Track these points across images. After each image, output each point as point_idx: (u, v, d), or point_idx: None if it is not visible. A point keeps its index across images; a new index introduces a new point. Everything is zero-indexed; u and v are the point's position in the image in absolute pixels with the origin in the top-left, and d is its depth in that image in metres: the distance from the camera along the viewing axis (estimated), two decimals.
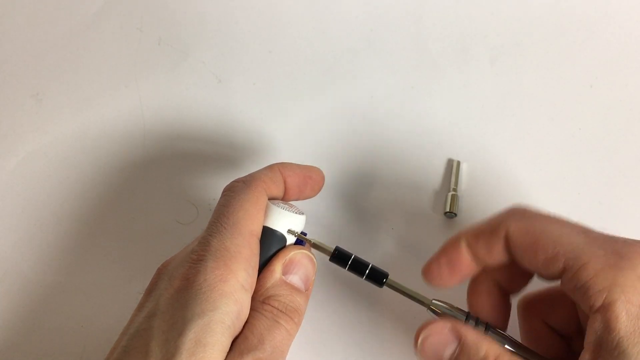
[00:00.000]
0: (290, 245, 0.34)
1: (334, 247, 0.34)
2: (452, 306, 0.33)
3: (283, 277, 0.32)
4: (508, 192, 0.43)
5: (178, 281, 0.30)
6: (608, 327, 0.26)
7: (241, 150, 0.46)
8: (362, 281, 0.34)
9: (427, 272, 0.33)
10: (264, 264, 0.33)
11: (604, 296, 0.27)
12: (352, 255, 0.34)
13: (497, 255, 0.31)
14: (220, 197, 0.33)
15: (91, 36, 0.52)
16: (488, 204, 0.42)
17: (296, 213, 0.34)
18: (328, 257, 0.34)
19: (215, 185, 0.45)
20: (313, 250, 0.35)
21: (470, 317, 0.32)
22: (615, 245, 0.28)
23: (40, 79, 0.50)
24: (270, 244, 0.33)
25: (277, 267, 0.32)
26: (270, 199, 0.35)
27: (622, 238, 0.29)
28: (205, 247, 0.30)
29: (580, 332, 0.33)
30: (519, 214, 0.31)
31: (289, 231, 0.34)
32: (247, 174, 0.35)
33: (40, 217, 0.45)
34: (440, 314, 0.33)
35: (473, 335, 0.30)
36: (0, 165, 0.47)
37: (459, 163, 0.44)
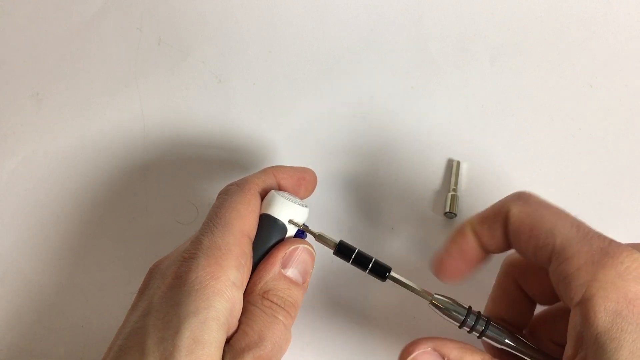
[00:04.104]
0: (290, 237, 0.34)
1: (337, 241, 0.34)
2: (454, 301, 0.33)
3: (282, 270, 0.32)
4: (508, 192, 0.42)
5: (170, 279, 0.30)
6: (587, 322, 0.27)
7: (241, 150, 0.46)
8: (364, 275, 0.34)
9: (438, 264, 0.34)
10: (264, 253, 0.33)
11: (584, 290, 0.27)
12: (355, 249, 0.34)
13: (498, 239, 0.32)
14: (215, 200, 0.34)
15: (91, 36, 0.52)
16: (488, 204, 0.42)
17: (299, 205, 0.34)
18: (332, 251, 0.34)
19: (215, 185, 0.45)
20: (316, 242, 0.35)
21: (470, 312, 0.32)
22: (602, 243, 0.28)
23: (40, 79, 0.50)
24: (270, 233, 0.33)
25: (276, 260, 0.32)
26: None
27: (611, 238, 0.29)
28: (197, 246, 0.31)
29: (552, 299, 0.33)
30: (523, 198, 0.32)
31: (291, 222, 0.34)
32: (247, 173, 0.36)
33: (40, 217, 0.45)
34: (442, 308, 0.33)
35: (455, 352, 0.31)
36: (0, 166, 0.47)
37: (459, 163, 0.44)
